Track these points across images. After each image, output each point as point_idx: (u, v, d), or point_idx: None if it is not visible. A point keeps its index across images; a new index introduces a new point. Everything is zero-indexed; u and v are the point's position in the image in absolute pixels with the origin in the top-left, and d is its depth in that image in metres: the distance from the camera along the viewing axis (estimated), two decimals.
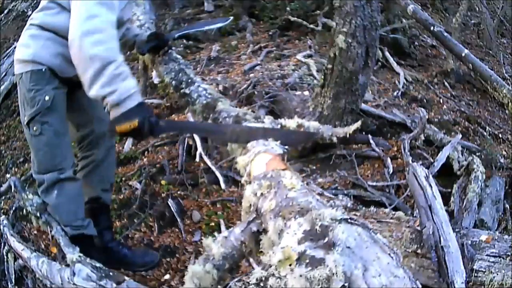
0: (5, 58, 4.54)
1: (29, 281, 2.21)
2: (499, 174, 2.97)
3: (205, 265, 1.03)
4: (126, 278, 1.49)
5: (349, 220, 0.80)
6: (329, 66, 2.95)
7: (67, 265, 1.76)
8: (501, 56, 6.07)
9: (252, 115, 1.61)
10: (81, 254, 1.82)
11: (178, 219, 2.68)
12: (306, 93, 3.73)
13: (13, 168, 3.50)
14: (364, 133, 3.33)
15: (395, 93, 4.21)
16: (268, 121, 1.53)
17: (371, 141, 3.23)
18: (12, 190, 2.65)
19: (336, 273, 0.71)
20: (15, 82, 3.65)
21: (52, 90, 1.84)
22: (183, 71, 2.11)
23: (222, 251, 1.04)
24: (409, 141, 3.11)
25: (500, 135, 3.89)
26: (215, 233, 2.50)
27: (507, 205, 2.67)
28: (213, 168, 2.98)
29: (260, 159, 1.20)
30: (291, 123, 1.56)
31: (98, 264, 1.63)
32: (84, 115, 2.09)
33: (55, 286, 1.68)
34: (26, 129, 1.90)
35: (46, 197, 1.97)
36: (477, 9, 6.56)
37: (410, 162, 2.75)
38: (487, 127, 3.92)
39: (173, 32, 2.62)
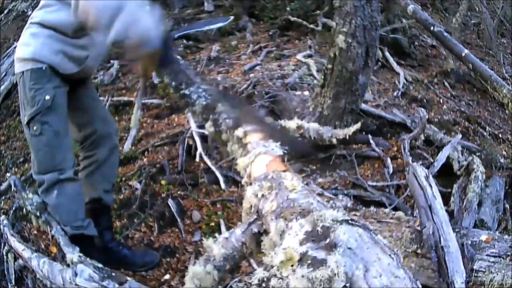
0: (5, 58, 4.54)
1: (29, 281, 2.21)
2: (499, 174, 2.97)
3: (206, 265, 1.03)
4: (128, 278, 1.49)
5: (350, 221, 0.80)
6: (329, 66, 2.95)
7: (68, 265, 1.76)
8: (501, 56, 6.08)
9: None
10: (81, 254, 1.82)
11: (178, 219, 2.68)
12: (306, 93, 3.74)
13: (13, 168, 3.50)
14: (364, 133, 3.33)
15: (395, 93, 4.21)
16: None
17: (371, 141, 3.23)
18: (12, 190, 2.65)
19: (337, 274, 0.72)
20: (15, 82, 3.66)
21: (52, 89, 1.83)
22: (183, 72, 2.10)
23: (223, 252, 1.04)
24: (409, 141, 3.11)
25: (500, 135, 3.89)
26: (215, 233, 2.51)
27: (507, 205, 2.67)
28: (213, 168, 2.98)
29: (260, 161, 1.20)
30: (291, 124, 1.56)
31: (100, 265, 1.63)
32: (87, 115, 2.09)
33: (55, 287, 1.67)
34: (26, 129, 1.89)
35: (46, 198, 1.96)
36: (477, 9, 6.56)
37: (410, 162, 2.75)
38: (487, 127, 3.92)
39: (173, 33, 2.61)
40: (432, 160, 2.96)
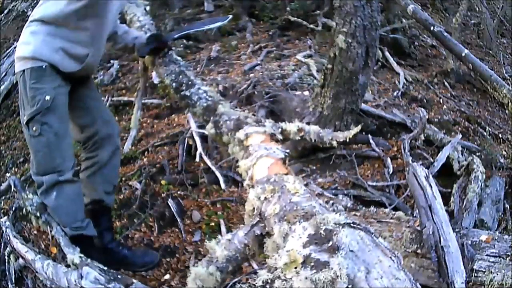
0: (5, 58, 4.54)
1: (29, 281, 2.22)
2: (499, 174, 2.97)
3: (208, 267, 1.04)
4: (134, 280, 1.49)
5: (352, 225, 0.81)
6: (329, 66, 2.95)
7: (68, 266, 1.76)
8: (501, 56, 6.08)
9: (253, 119, 1.61)
10: (82, 255, 1.82)
11: (178, 219, 2.68)
12: (306, 93, 3.74)
13: (13, 168, 3.50)
14: (364, 133, 3.33)
15: (395, 93, 4.21)
16: (269, 125, 1.53)
17: (371, 141, 3.24)
18: (12, 190, 2.64)
19: (340, 276, 0.73)
20: (15, 81, 3.65)
21: (53, 89, 1.82)
22: (183, 73, 2.10)
23: (225, 253, 1.05)
24: (409, 141, 3.11)
25: (500, 135, 3.89)
26: (215, 233, 2.52)
27: (507, 205, 2.68)
28: (213, 168, 2.98)
29: (262, 163, 1.21)
30: (292, 126, 1.56)
31: (105, 267, 1.63)
32: (89, 116, 2.08)
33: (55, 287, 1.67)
34: (25, 129, 1.88)
35: (45, 199, 1.95)
36: (477, 9, 6.56)
37: (410, 162, 2.76)
38: (487, 127, 3.93)
39: (173, 33, 2.62)
40: (432, 160, 2.97)
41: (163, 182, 2.97)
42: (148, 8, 2.82)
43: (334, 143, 1.60)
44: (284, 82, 3.99)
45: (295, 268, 0.77)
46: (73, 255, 1.80)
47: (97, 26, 1.89)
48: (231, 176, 3.00)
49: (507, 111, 4.13)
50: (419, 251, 1.56)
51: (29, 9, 5.37)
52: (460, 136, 3.26)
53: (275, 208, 0.97)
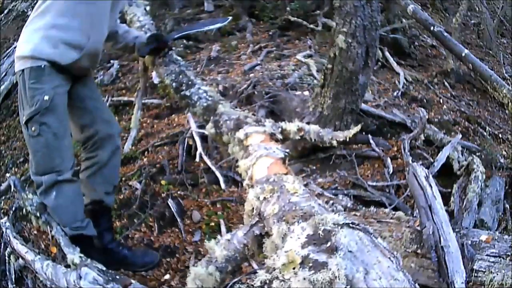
0: (5, 58, 4.54)
1: (29, 281, 2.21)
2: (499, 174, 2.97)
3: (207, 267, 1.04)
4: (132, 281, 1.49)
5: (351, 225, 0.81)
6: (329, 66, 2.95)
7: (68, 266, 1.76)
8: (501, 56, 6.08)
9: (253, 118, 1.61)
10: (82, 255, 1.82)
11: (178, 219, 2.68)
12: (306, 93, 3.73)
13: (13, 168, 3.50)
14: (364, 133, 3.33)
15: (395, 93, 4.21)
16: (269, 124, 1.53)
17: (371, 141, 3.24)
18: (12, 190, 2.65)
19: (338, 277, 0.72)
20: (15, 81, 3.65)
21: (52, 89, 1.82)
22: (183, 73, 2.10)
23: (225, 253, 1.05)
24: (409, 141, 3.11)
25: (500, 135, 3.89)
26: (215, 233, 2.51)
27: (507, 205, 2.67)
28: (213, 168, 2.98)
29: (261, 163, 1.21)
30: (292, 126, 1.56)
31: (104, 268, 1.63)
32: (89, 116, 2.08)
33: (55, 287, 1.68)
34: (24, 129, 1.88)
35: (44, 199, 1.95)
36: (477, 9, 6.56)
37: (410, 162, 2.75)
38: (487, 127, 3.92)
39: (173, 33, 2.62)
40: (432, 160, 2.96)
41: (163, 182, 2.97)
42: (148, 8, 2.82)
43: (334, 143, 1.59)
44: (284, 82, 3.99)
45: (293, 268, 0.76)
46: (73, 255, 1.81)
47: (96, 12, 1.90)
48: (231, 176, 2.99)
49: (507, 111, 4.13)
50: (419, 251, 1.56)
51: (29, 9, 5.37)
52: (460, 136, 3.26)
53: (274, 208, 0.97)
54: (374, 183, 2.88)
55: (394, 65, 4.87)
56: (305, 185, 2.26)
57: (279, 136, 1.51)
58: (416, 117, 3.43)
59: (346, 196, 2.61)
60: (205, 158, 3.06)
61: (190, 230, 2.64)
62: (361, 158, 3.20)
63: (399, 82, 4.47)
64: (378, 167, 3.10)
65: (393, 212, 1.81)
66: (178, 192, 2.91)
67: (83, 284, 1.48)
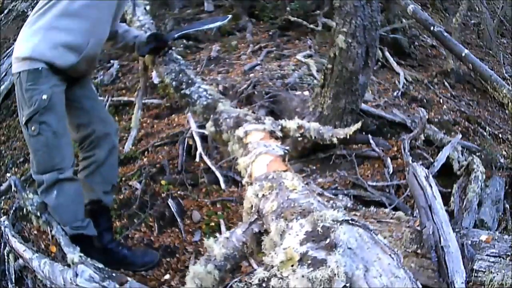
0: (5, 58, 4.54)
1: (29, 281, 2.21)
2: (499, 174, 2.97)
3: (206, 265, 1.03)
4: (128, 279, 1.49)
5: (350, 221, 0.80)
6: (329, 66, 2.95)
7: (68, 265, 1.76)
8: (501, 56, 6.08)
9: (253, 116, 1.61)
10: (82, 254, 1.82)
11: (178, 219, 2.68)
12: (306, 93, 3.73)
13: (13, 168, 3.50)
14: (364, 133, 3.33)
15: (395, 93, 4.21)
16: (268, 122, 1.53)
17: (371, 141, 3.24)
18: (12, 190, 2.64)
19: (337, 274, 0.72)
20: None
21: (49, 88, 1.82)
22: (183, 72, 2.11)
23: (223, 251, 1.04)
24: (409, 141, 3.11)
25: (500, 135, 3.89)
26: (215, 233, 2.51)
27: (507, 205, 2.67)
28: (213, 168, 2.98)
29: (261, 160, 1.20)
30: (292, 124, 1.56)
31: (100, 265, 1.63)
32: (85, 115, 2.08)
33: (56, 287, 1.68)
34: (24, 129, 1.88)
35: (45, 198, 1.95)
36: (477, 9, 6.56)
37: (410, 162, 2.75)
38: (487, 127, 3.92)
39: (173, 33, 2.62)
40: (432, 160, 2.96)
41: (163, 182, 2.97)
42: (148, 7, 2.82)
43: (335, 140, 1.59)
44: (284, 82, 3.99)
45: (292, 266, 0.76)
46: (73, 254, 1.81)
47: (98, 15, 1.89)
48: (231, 176, 2.99)
49: (507, 111, 4.13)
50: (419, 251, 1.56)
51: (29, 9, 5.38)
52: (460, 136, 3.25)
53: (272, 205, 0.97)
54: (374, 183, 2.88)
55: (394, 65, 4.87)
56: (306, 185, 2.27)
57: (279, 134, 1.50)
58: (416, 117, 3.42)
59: (346, 196, 2.61)
60: (205, 158, 3.06)
61: (190, 230, 2.64)
62: (361, 158, 3.20)
63: (399, 82, 4.47)
64: (378, 167, 3.09)
65: (393, 212, 1.81)
66: (178, 192, 2.91)
67: (80, 282, 1.48)
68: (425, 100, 4.23)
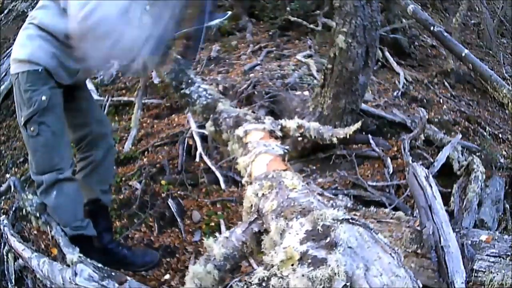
0: (5, 58, 4.53)
1: (29, 281, 2.21)
2: (499, 174, 2.97)
3: (206, 265, 1.03)
4: (128, 278, 1.49)
5: (350, 220, 0.80)
6: (329, 66, 2.95)
7: (68, 266, 1.75)
8: (501, 56, 6.07)
9: (253, 116, 1.61)
10: (81, 255, 1.81)
11: (178, 219, 2.68)
12: (306, 93, 3.73)
13: (13, 168, 3.50)
14: (364, 133, 3.33)
15: (395, 93, 4.20)
16: (268, 122, 1.53)
17: (371, 141, 3.23)
18: (12, 190, 2.64)
19: (338, 273, 0.71)
20: None
21: (48, 90, 1.82)
22: (183, 72, 2.10)
23: (223, 251, 1.04)
24: (409, 141, 3.11)
25: (500, 135, 3.89)
26: (215, 233, 2.50)
27: (507, 205, 2.67)
28: (213, 168, 2.98)
29: (260, 160, 1.20)
30: (291, 123, 1.56)
31: (99, 264, 1.63)
32: (82, 116, 2.08)
33: (55, 287, 1.67)
34: (23, 130, 1.88)
35: (45, 198, 1.96)
36: (477, 9, 6.56)
37: (410, 162, 2.75)
38: (487, 127, 3.92)
39: None
40: (432, 160, 2.96)
41: (163, 182, 2.97)
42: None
43: (335, 140, 1.59)
44: (284, 82, 3.99)
45: (292, 265, 0.75)
46: (73, 255, 1.80)
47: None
48: (231, 176, 2.99)
49: (507, 111, 4.13)
50: (419, 251, 1.56)
51: (29, 9, 5.37)
52: (460, 136, 3.25)
53: (272, 204, 0.96)
54: (374, 183, 2.88)
55: (394, 65, 4.86)
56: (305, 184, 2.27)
57: (279, 134, 1.50)
58: (416, 117, 3.42)
59: (346, 196, 2.60)
60: (205, 158, 3.06)
61: (190, 230, 2.64)
62: (361, 158, 3.20)
63: (399, 82, 4.47)
64: (378, 167, 3.09)
65: (393, 212, 1.80)
66: (178, 192, 2.91)
67: (79, 281, 1.48)
68: (425, 100, 4.22)
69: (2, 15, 5.77)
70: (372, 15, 2.80)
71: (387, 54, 5.00)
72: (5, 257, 2.25)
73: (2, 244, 2.32)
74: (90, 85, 4.06)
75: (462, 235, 1.58)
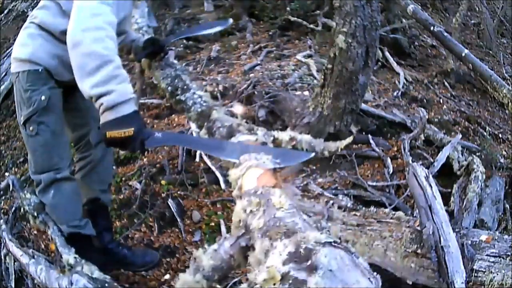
0: (5, 58, 4.54)
1: (29, 281, 2.21)
2: (499, 174, 2.97)
3: (195, 275, 1.06)
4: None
5: (332, 244, 0.83)
6: (329, 66, 2.95)
7: (64, 267, 1.76)
8: (501, 56, 6.08)
9: (246, 126, 1.60)
10: (77, 256, 1.82)
11: (178, 219, 2.68)
12: (306, 93, 3.73)
13: (13, 168, 3.50)
14: (364, 133, 3.33)
15: (395, 93, 4.21)
16: (261, 133, 1.53)
17: (371, 141, 3.23)
18: (11, 189, 2.65)
19: None
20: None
21: (48, 90, 1.83)
22: (179, 77, 2.08)
23: (211, 263, 1.08)
24: (409, 141, 3.11)
25: (500, 135, 3.89)
26: (216, 234, 2.51)
27: (507, 205, 2.67)
28: (213, 168, 2.98)
29: (251, 174, 1.21)
30: (284, 135, 1.56)
31: (95, 274, 1.65)
32: (81, 116, 2.08)
33: None
34: (22, 129, 1.89)
35: (43, 197, 1.96)
36: (477, 9, 6.57)
37: (410, 162, 2.76)
38: (487, 127, 3.92)
39: (170, 37, 2.61)
40: (432, 160, 2.96)
41: (163, 182, 2.97)
42: (147, 9, 2.81)
43: (326, 154, 1.60)
44: (284, 82, 3.99)
45: (274, 284, 0.78)
46: (68, 255, 1.81)
47: None
48: None
49: (507, 111, 4.13)
50: (419, 251, 1.56)
51: (29, 9, 5.38)
52: (460, 136, 3.26)
53: (259, 222, 0.99)
54: (374, 183, 2.88)
55: (394, 65, 4.87)
56: (305, 185, 2.26)
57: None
58: (416, 117, 3.43)
59: (346, 196, 2.61)
60: (205, 158, 3.06)
61: (190, 230, 2.64)
62: (361, 158, 3.20)
63: (399, 82, 4.47)
64: (378, 167, 3.09)
65: (393, 212, 1.80)
66: (178, 192, 2.91)
67: None
68: (425, 100, 4.23)
69: (2, 15, 5.77)
70: (372, 15, 2.80)
71: (387, 54, 5.01)
72: (3, 259, 2.25)
73: (2, 245, 2.33)
74: None
75: (462, 235, 1.58)
